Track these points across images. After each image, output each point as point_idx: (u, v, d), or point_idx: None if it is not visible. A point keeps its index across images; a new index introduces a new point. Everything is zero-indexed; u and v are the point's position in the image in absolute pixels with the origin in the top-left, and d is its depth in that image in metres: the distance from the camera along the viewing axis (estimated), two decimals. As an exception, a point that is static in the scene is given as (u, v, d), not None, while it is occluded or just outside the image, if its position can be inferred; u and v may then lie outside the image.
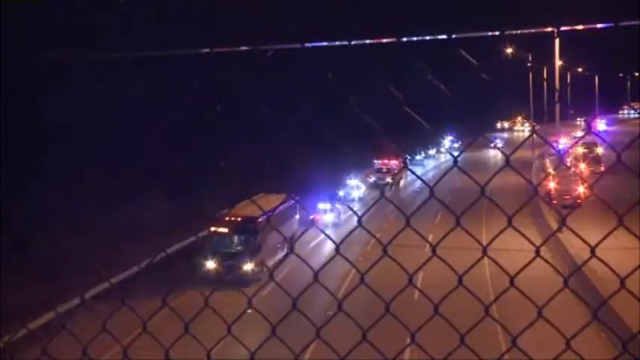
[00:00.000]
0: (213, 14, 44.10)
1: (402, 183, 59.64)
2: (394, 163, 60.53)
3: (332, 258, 3.40)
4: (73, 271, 23.92)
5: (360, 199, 51.23)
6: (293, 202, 34.33)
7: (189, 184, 31.66)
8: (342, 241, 3.56)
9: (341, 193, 49.28)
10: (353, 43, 3.42)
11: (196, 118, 38.18)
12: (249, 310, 3.71)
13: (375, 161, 60.78)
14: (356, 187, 52.44)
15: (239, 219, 30.07)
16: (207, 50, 3.64)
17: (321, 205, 41.27)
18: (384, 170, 59.08)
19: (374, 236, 4.43)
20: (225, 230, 30.61)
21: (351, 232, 3.89)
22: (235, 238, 30.49)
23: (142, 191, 31.47)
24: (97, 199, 30.66)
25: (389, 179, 57.72)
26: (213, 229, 30.76)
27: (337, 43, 3.49)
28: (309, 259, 3.87)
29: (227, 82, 37.36)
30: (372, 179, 57.80)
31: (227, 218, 30.43)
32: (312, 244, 32.51)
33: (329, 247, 32.50)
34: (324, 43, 3.66)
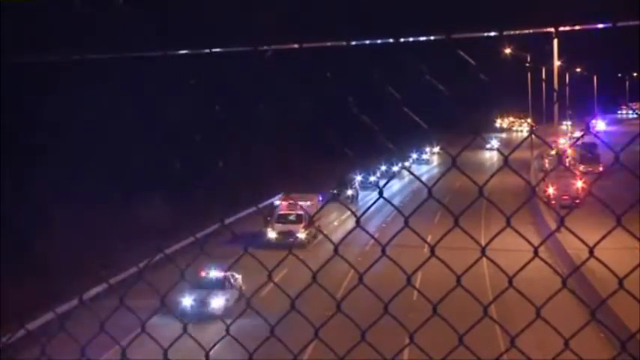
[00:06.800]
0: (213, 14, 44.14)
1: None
2: (309, 204, 36.66)
3: (330, 259, 3.40)
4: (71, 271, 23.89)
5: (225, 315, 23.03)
6: None
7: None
8: (341, 241, 3.56)
9: (186, 301, 23.84)
10: (353, 43, 3.43)
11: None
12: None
13: (277, 202, 37.59)
14: (225, 285, 24.88)
15: None
16: (207, 50, 3.65)
17: None
18: (292, 218, 35.37)
19: (372, 237, 4.44)
20: None
21: (349, 232, 3.88)
22: None
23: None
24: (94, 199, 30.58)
25: (300, 232, 34.41)
26: None
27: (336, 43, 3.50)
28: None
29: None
30: (272, 235, 34.34)
31: None
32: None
33: None
34: (324, 44, 3.67)
